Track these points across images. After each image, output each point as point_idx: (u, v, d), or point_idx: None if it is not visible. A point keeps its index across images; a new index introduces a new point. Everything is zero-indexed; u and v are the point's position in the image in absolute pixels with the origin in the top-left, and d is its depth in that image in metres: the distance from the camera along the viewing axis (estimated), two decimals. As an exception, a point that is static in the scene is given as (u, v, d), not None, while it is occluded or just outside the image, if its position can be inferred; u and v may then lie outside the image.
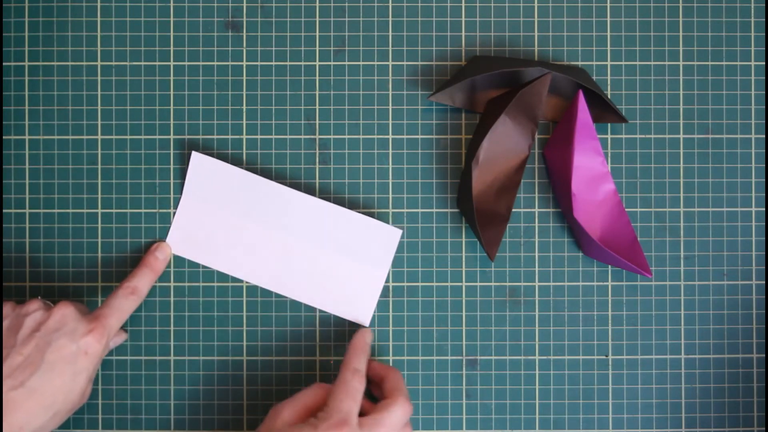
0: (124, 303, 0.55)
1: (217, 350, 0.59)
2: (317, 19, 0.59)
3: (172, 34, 0.59)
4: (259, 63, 0.59)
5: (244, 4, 0.59)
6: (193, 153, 0.58)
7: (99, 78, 0.59)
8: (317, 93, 0.59)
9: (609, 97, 0.59)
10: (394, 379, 0.55)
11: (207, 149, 0.59)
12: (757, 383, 0.59)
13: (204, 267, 0.59)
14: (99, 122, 0.59)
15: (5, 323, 0.52)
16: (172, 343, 0.59)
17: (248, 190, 0.58)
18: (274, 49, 0.59)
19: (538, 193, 0.59)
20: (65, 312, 0.52)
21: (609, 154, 0.59)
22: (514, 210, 0.59)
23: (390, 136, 0.59)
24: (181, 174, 0.59)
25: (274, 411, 0.52)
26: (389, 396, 0.53)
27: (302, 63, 0.59)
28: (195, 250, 0.58)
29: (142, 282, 0.56)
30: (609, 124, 0.59)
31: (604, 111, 0.58)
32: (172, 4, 0.59)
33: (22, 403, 0.49)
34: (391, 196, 0.59)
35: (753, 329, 0.59)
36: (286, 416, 0.52)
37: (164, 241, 0.58)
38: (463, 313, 0.59)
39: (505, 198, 0.58)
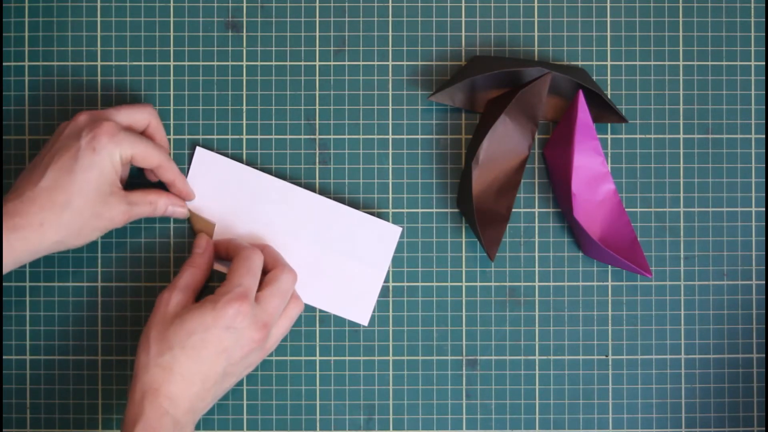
0: (149, 144, 0.54)
1: (217, 350, 0.59)
2: (317, 19, 0.59)
3: (172, 34, 0.59)
4: (259, 63, 0.59)
5: (244, 4, 0.59)
6: (197, 148, 0.58)
7: (99, 78, 0.59)
8: (317, 93, 0.59)
9: (609, 97, 0.59)
10: (272, 253, 0.56)
11: (207, 149, 0.59)
12: (757, 383, 0.59)
13: (204, 267, 0.59)
14: (99, 122, 0.59)
15: (50, 142, 0.54)
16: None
17: (250, 185, 0.58)
18: (274, 49, 0.59)
19: (538, 193, 0.59)
20: (81, 117, 0.53)
21: (609, 154, 0.59)
22: (514, 210, 0.59)
23: (390, 136, 0.59)
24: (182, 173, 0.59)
25: (161, 299, 0.53)
26: (272, 268, 0.55)
27: (302, 63, 0.59)
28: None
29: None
30: (609, 124, 0.59)
31: (604, 111, 0.58)
32: (172, 4, 0.59)
33: (38, 200, 0.50)
34: (391, 196, 0.59)
35: (753, 329, 0.59)
36: (175, 299, 0.53)
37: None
38: (463, 313, 0.59)
39: (505, 198, 0.58)
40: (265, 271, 0.55)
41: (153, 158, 0.54)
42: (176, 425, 0.50)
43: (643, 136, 0.59)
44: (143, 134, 0.56)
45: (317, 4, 0.59)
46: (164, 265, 0.59)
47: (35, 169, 0.52)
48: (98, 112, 0.54)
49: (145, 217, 0.56)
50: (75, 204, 0.51)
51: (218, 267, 0.58)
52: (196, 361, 0.50)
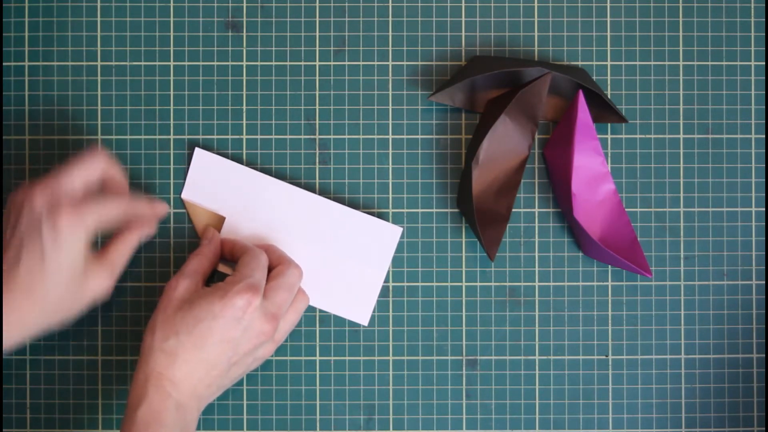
0: (111, 205, 0.52)
1: (217, 350, 0.59)
2: (317, 19, 0.59)
3: (172, 34, 0.59)
4: (259, 63, 0.59)
5: (244, 4, 0.59)
6: (196, 149, 0.58)
7: (99, 78, 0.59)
8: (317, 93, 0.59)
9: (609, 97, 0.59)
10: (276, 251, 0.56)
11: (207, 149, 0.59)
12: (757, 383, 0.59)
13: (204, 267, 0.59)
14: (99, 122, 0.59)
15: (11, 217, 0.51)
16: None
17: (249, 186, 0.58)
18: (274, 49, 0.59)
19: (538, 193, 0.59)
20: (37, 201, 0.49)
21: (609, 154, 0.59)
22: (514, 210, 0.59)
23: (390, 136, 0.59)
24: (182, 174, 0.59)
25: (168, 285, 0.53)
26: (278, 264, 0.55)
27: (302, 63, 0.59)
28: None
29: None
30: (609, 124, 0.59)
31: (604, 111, 0.58)
32: (172, 4, 0.59)
33: (12, 303, 0.49)
34: (391, 196, 0.59)
35: (753, 329, 0.59)
36: (183, 285, 0.53)
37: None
38: (463, 313, 0.59)
39: (505, 198, 0.58)
40: (269, 270, 0.55)
41: (117, 212, 0.52)
42: (180, 408, 0.50)
43: (643, 136, 0.59)
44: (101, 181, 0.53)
45: (317, 4, 0.59)
46: (164, 265, 0.59)
47: (7, 249, 0.50)
48: (52, 187, 0.50)
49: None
50: (52, 296, 0.50)
51: (222, 268, 0.58)
52: (202, 348, 0.50)
